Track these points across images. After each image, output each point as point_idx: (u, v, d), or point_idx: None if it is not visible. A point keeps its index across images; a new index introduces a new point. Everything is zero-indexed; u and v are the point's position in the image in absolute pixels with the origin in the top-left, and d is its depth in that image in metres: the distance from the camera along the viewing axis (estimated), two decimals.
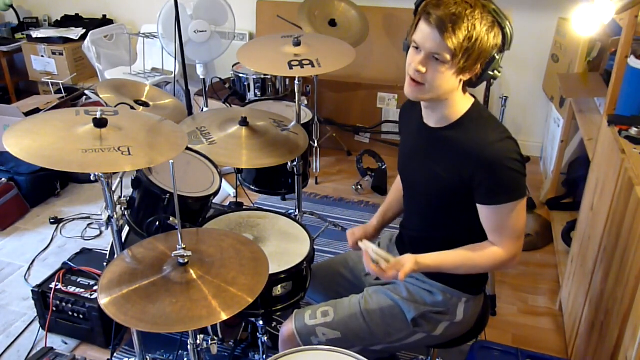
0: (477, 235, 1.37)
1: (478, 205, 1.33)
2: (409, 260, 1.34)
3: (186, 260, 1.24)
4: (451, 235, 1.42)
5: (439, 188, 1.37)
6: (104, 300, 1.17)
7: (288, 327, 1.50)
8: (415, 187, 1.48)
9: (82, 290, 2.12)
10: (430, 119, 1.39)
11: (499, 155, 1.26)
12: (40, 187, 3.14)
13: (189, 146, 1.79)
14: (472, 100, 1.36)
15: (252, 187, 2.37)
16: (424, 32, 1.22)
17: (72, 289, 2.12)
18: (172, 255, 1.26)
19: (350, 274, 1.70)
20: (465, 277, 1.48)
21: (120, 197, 1.56)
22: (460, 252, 1.38)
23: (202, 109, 3.33)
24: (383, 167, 3.31)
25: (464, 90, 1.33)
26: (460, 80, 1.27)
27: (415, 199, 1.50)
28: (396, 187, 1.71)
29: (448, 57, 1.20)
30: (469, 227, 1.37)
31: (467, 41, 1.18)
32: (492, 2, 1.22)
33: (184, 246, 1.24)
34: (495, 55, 1.24)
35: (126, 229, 1.85)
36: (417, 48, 1.25)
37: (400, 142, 1.58)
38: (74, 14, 4.46)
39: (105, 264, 2.07)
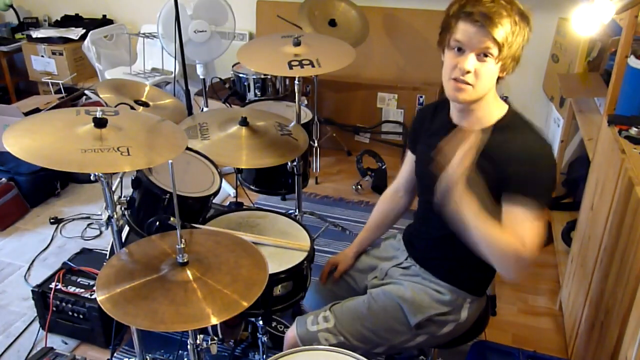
0: None
1: (504, 198, 1.29)
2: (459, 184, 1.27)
3: (185, 260, 1.24)
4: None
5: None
6: (101, 297, 1.17)
7: (291, 334, 1.49)
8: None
9: (82, 290, 2.12)
10: (463, 121, 1.39)
11: (541, 156, 1.28)
12: (40, 187, 3.14)
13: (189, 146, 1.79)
14: (507, 105, 1.37)
15: (252, 187, 2.37)
16: (469, 31, 1.23)
17: (72, 289, 2.12)
18: (172, 255, 1.26)
19: (350, 277, 1.70)
20: (471, 277, 1.49)
21: (120, 197, 1.56)
22: (493, 224, 1.30)
23: (202, 109, 3.33)
24: (383, 167, 3.31)
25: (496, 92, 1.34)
26: (498, 77, 1.29)
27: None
28: (377, 213, 1.74)
29: (495, 50, 1.23)
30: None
31: (511, 35, 1.22)
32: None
33: (183, 246, 1.24)
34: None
35: (126, 229, 1.85)
36: (459, 49, 1.26)
37: (417, 148, 1.56)
38: (74, 14, 4.46)
39: (105, 264, 2.07)
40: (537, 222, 1.29)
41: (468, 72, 1.25)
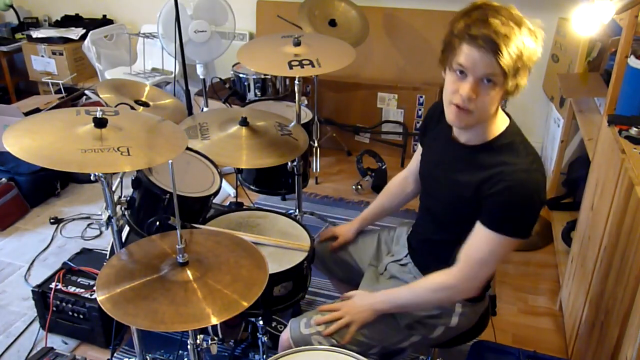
0: None
1: (477, 223, 1.30)
2: (363, 314, 1.41)
3: (185, 260, 1.24)
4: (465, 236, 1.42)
5: (459, 200, 1.35)
6: (101, 297, 1.17)
7: (285, 337, 1.49)
8: (436, 195, 1.46)
9: (82, 290, 2.12)
10: (462, 136, 1.36)
11: (523, 187, 1.22)
12: (40, 187, 3.14)
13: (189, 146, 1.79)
14: (507, 121, 1.33)
15: (252, 187, 2.37)
16: (473, 56, 1.16)
17: (72, 289, 2.12)
18: (172, 255, 1.26)
19: (356, 251, 1.73)
20: None
21: (120, 197, 1.56)
22: (408, 284, 1.42)
23: (202, 109, 3.33)
24: (383, 167, 3.31)
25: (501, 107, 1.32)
26: (501, 100, 1.25)
27: (434, 205, 1.49)
28: (384, 195, 1.75)
29: (500, 78, 1.17)
30: None
31: (519, 60, 1.16)
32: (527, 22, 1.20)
33: (184, 246, 1.24)
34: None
35: (126, 229, 1.84)
36: (461, 72, 1.20)
37: (423, 147, 1.56)
38: (74, 14, 4.46)
39: (105, 264, 2.07)
40: (501, 249, 1.28)
41: (470, 98, 1.20)
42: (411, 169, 1.69)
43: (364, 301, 1.44)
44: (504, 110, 1.35)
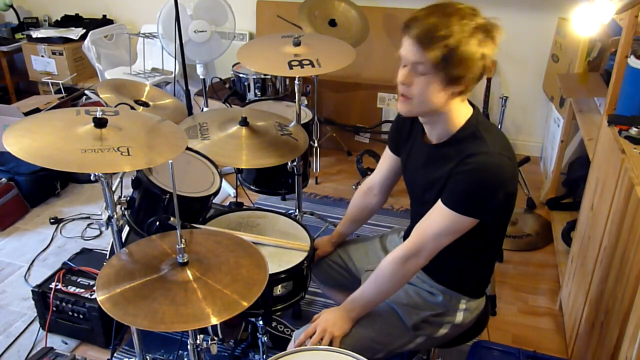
0: (482, 231, 1.35)
1: (438, 200, 1.32)
2: (341, 326, 1.40)
3: (185, 260, 1.24)
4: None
5: (437, 197, 1.35)
6: (101, 297, 1.17)
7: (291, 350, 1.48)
8: (419, 198, 1.47)
9: (82, 290, 2.12)
10: (433, 136, 1.38)
11: (483, 170, 1.25)
12: (40, 187, 3.14)
13: (189, 146, 1.79)
14: (470, 112, 1.34)
15: (252, 187, 2.37)
16: (405, 46, 1.24)
17: (72, 289, 2.12)
18: (172, 255, 1.26)
19: (349, 267, 1.72)
20: (465, 279, 1.48)
21: (120, 197, 1.56)
22: (370, 277, 1.43)
23: (202, 109, 3.33)
24: None
25: (463, 100, 1.32)
26: (452, 92, 1.26)
27: (421, 211, 1.47)
28: (352, 207, 1.74)
29: (429, 66, 1.21)
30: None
31: (445, 48, 1.18)
32: (477, 10, 1.22)
33: (184, 246, 1.24)
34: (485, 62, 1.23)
35: (126, 229, 1.85)
36: (403, 65, 1.27)
37: (402, 157, 1.56)
38: (74, 14, 4.47)
39: (105, 264, 2.07)
40: (453, 228, 1.30)
41: (403, 84, 1.26)
42: (376, 178, 1.67)
43: (335, 312, 1.43)
44: (470, 102, 1.37)
